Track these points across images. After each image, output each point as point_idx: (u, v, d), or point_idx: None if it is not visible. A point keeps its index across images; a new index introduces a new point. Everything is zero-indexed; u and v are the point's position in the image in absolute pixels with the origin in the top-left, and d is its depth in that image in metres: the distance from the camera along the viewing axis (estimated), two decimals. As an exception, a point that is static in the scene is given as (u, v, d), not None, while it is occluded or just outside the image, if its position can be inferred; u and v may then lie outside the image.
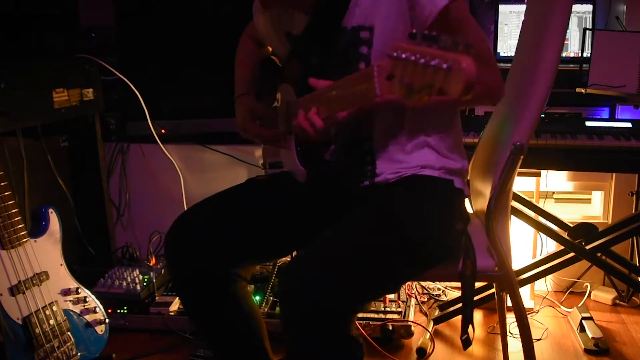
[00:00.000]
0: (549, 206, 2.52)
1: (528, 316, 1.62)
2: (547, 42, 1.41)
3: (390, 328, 2.11)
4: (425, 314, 2.42)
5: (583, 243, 2.16)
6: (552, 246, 2.47)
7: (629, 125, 2.13)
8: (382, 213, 1.30)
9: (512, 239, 1.62)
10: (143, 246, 2.69)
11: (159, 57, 2.71)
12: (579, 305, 2.40)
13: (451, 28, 1.27)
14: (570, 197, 2.73)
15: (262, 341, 1.52)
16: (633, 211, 2.45)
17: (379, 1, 1.31)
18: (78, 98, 2.37)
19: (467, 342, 1.44)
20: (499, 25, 2.57)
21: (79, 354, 1.84)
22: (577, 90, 2.26)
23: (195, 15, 2.67)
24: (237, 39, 1.71)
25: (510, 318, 1.91)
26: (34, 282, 1.75)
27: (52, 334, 1.77)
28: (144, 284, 2.36)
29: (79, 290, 1.88)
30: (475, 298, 2.21)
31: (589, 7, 2.51)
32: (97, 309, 1.93)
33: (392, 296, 2.27)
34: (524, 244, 2.44)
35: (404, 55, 0.91)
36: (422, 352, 2.10)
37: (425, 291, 2.56)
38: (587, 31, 2.44)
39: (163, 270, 2.44)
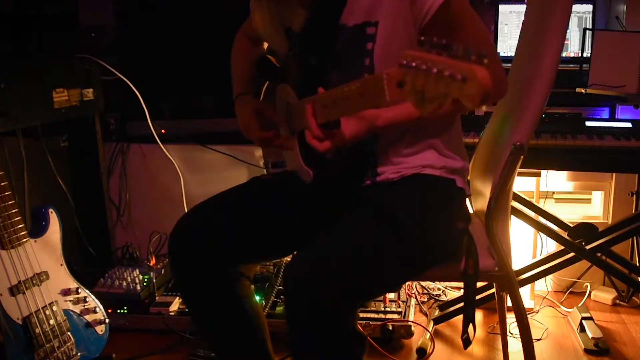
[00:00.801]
0: (549, 206, 2.52)
1: (528, 316, 1.62)
2: (547, 42, 1.41)
3: (390, 328, 2.11)
4: (425, 314, 2.42)
5: (583, 243, 2.16)
6: (552, 246, 2.47)
7: (629, 125, 2.13)
8: (384, 212, 1.30)
9: (512, 239, 1.62)
10: (143, 246, 2.69)
11: (159, 57, 2.71)
12: (579, 305, 2.40)
13: (452, 22, 1.27)
14: (570, 197, 2.73)
15: (264, 341, 1.52)
16: (633, 211, 2.45)
17: None
18: (78, 98, 2.37)
19: (467, 342, 1.44)
20: (499, 25, 2.57)
21: (79, 354, 1.84)
22: (577, 90, 2.27)
23: (195, 15, 2.67)
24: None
25: (510, 318, 1.91)
26: (34, 282, 1.75)
27: (52, 334, 1.77)
28: (144, 284, 2.36)
29: (79, 290, 1.88)
30: (476, 298, 2.21)
31: (589, 7, 2.51)
32: (97, 309, 1.93)
33: (392, 296, 2.27)
34: (524, 244, 2.44)
35: (414, 64, 0.90)
36: (422, 352, 2.10)
37: (425, 291, 2.56)
38: (587, 31, 2.44)
39: (163, 270, 2.44)
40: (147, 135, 2.65)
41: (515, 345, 2.06)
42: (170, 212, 2.67)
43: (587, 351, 2.12)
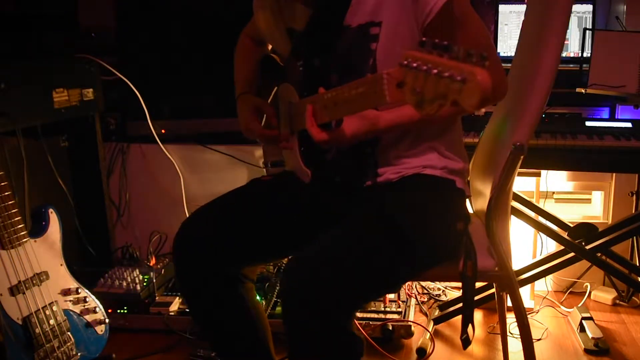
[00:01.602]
0: (549, 206, 2.52)
1: (528, 316, 1.62)
2: (547, 42, 1.41)
3: (390, 328, 2.11)
4: (425, 314, 2.42)
5: (583, 243, 2.16)
6: (552, 246, 2.47)
7: (629, 125, 2.13)
8: (384, 213, 1.30)
9: (512, 239, 1.61)
10: (143, 246, 2.69)
11: (159, 57, 2.71)
12: (579, 305, 2.40)
13: (454, 22, 1.27)
14: (570, 197, 2.73)
15: (266, 342, 1.52)
16: (633, 211, 2.45)
17: None
18: (78, 98, 2.37)
19: (466, 342, 1.44)
20: (499, 25, 2.57)
21: (79, 354, 1.84)
22: (577, 90, 2.26)
23: (195, 15, 2.67)
24: (237, 39, 1.71)
25: (510, 318, 1.91)
26: (34, 282, 1.75)
27: (52, 334, 1.77)
28: (144, 284, 2.36)
29: (79, 290, 1.88)
30: (475, 298, 2.21)
31: (589, 7, 2.51)
32: (97, 309, 1.93)
33: (392, 296, 2.27)
34: (524, 244, 2.44)
35: (414, 65, 0.89)
36: (422, 352, 2.10)
37: (425, 291, 2.56)
38: (587, 31, 2.44)
39: (163, 270, 2.44)
40: (147, 135, 2.65)
41: (515, 345, 2.06)
42: (170, 212, 2.68)
43: (587, 351, 2.12)
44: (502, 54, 2.58)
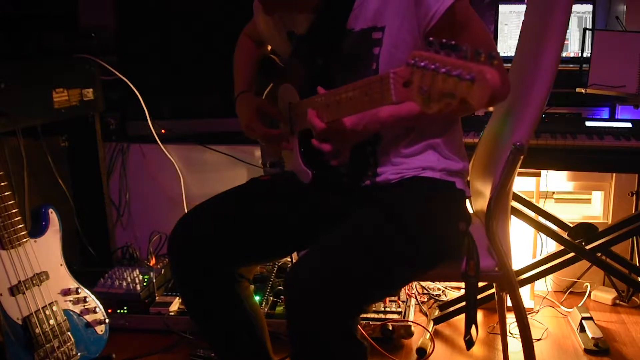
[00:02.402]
0: (549, 206, 2.52)
1: (528, 316, 1.62)
2: (547, 42, 1.41)
3: (390, 328, 2.11)
4: (425, 314, 2.42)
5: (583, 243, 2.16)
6: (552, 246, 2.47)
7: (629, 125, 2.13)
8: (384, 214, 1.30)
9: (512, 239, 1.61)
10: (143, 246, 2.69)
11: (159, 57, 2.71)
12: (579, 305, 2.40)
13: (457, 27, 1.27)
14: (570, 197, 2.73)
15: (263, 341, 1.52)
16: (633, 211, 2.45)
17: (388, 1, 1.31)
18: (78, 98, 2.37)
19: (470, 343, 1.44)
20: (499, 25, 2.57)
21: (79, 354, 1.84)
22: (577, 90, 2.26)
23: (195, 15, 2.67)
24: (237, 39, 1.71)
25: (510, 318, 1.91)
26: (34, 282, 1.75)
27: (52, 334, 1.77)
28: (144, 284, 2.36)
29: (79, 290, 1.88)
30: (477, 299, 2.21)
31: (589, 7, 2.51)
32: (97, 309, 1.93)
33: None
34: (524, 244, 2.44)
35: (422, 64, 0.89)
36: (422, 352, 2.10)
37: (425, 291, 2.56)
38: (587, 31, 2.44)
39: (163, 270, 2.44)
40: (147, 135, 2.65)
41: (515, 345, 2.06)
42: (170, 212, 2.68)
43: (587, 351, 2.12)
44: (502, 54, 2.58)
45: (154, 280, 2.37)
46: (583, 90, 2.25)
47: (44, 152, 2.35)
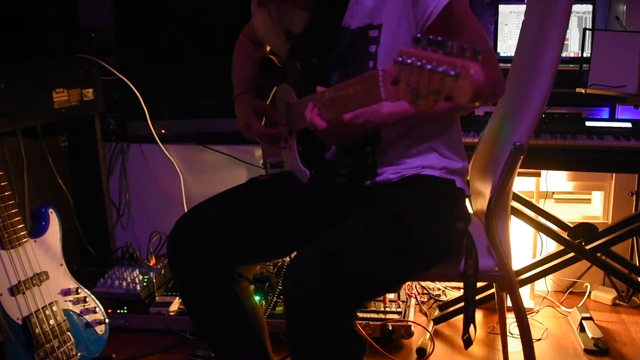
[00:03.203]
0: (549, 206, 2.52)
1: (528, 316, 1.62)
2: (547, 42, 1.41)
3: (390, 328, 2.11)
4: (425, 314, 2.42)
5: (583, 243, 2.16)
6: (552, 246, 2.47)
7: (629, 125, 2.13)
8: (384, 212, 1.30)
9: (512, 239, 1.61)
10: (143, 246, 2.69)
11: (159, 57, 2.71)
12: (579, 305, 2.40)
13: (453, 24, 1.28)
14: (570, 197, 2.73)
15: (263, 341, 1.52)
16: (633, 211, 2.45)
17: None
18: (78, 98, 2.37)
19: (468, 342, 1.44)
20: (499, 25, 2.57)
21: (79, 354, 1.84)
22: (577, 90, 2.26)
23: (195, 15, 2.67)
24: (236, 39, 1.71)
25: (510, 318, 1.91)
26: (34, 282, 1.75)
27: (52, 334, 1.77)
28: (144, 284, 2.36)
29: (79, 290, 1.88)
30: (476, 298, 2.21)
31: (589, 7, 2.51)
32: (97, 309, 1.93)
33: (392, 296, 2.27)
34: (524, 244, 2.44)
35: (409, 61, 0.90)
36: (422, 352, 2.10)
37: (425, 291, 2.56)
38: (587, 31, 2.44)
39: (163, 270, 2.44)
40: (147, 135, 2.65)
41: (515, 345, 2.06)
42: (170, 212, 2.67)
43: (587, 351, 2.12)
44: (502, 54, 2.58)
45: (154, 280, 2.37)
46: (583, 90, 2.25)
47: (44, 152, 2.35)
